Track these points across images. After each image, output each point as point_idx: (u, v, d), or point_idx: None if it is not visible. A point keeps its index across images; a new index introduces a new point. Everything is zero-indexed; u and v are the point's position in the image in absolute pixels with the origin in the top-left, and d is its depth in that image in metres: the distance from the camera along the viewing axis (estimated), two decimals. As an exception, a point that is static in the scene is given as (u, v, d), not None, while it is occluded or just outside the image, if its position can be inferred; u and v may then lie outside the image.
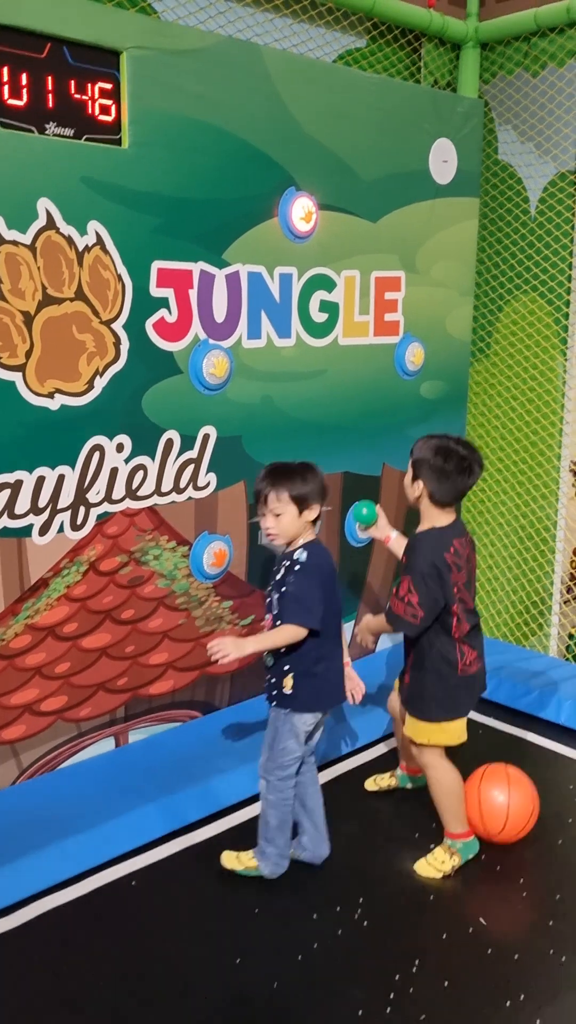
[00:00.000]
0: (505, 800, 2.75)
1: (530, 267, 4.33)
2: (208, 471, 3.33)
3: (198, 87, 3.04)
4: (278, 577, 2.65)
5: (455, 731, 2.75)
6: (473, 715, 3.78)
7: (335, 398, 3.75)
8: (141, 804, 2.91)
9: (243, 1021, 2.15)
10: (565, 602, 4.89)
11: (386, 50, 3.99)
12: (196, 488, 3.31)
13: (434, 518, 2.74)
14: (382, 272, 3.81)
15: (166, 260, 3.06)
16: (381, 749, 3.52)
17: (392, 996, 2.23)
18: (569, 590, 4.86)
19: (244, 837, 2.85)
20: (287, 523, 2.61)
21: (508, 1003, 2.20)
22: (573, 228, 4.38)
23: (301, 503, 2.61)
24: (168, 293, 3.09)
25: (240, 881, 2.69)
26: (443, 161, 3.97)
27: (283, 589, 2.60)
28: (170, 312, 3.10)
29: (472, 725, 3.69)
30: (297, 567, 2.61)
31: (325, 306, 3.62)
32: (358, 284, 3.73)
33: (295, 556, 2.63)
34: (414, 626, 2.66)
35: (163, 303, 3.08)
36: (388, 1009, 2.19)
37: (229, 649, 2.52)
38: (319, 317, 3.60)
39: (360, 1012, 2.18)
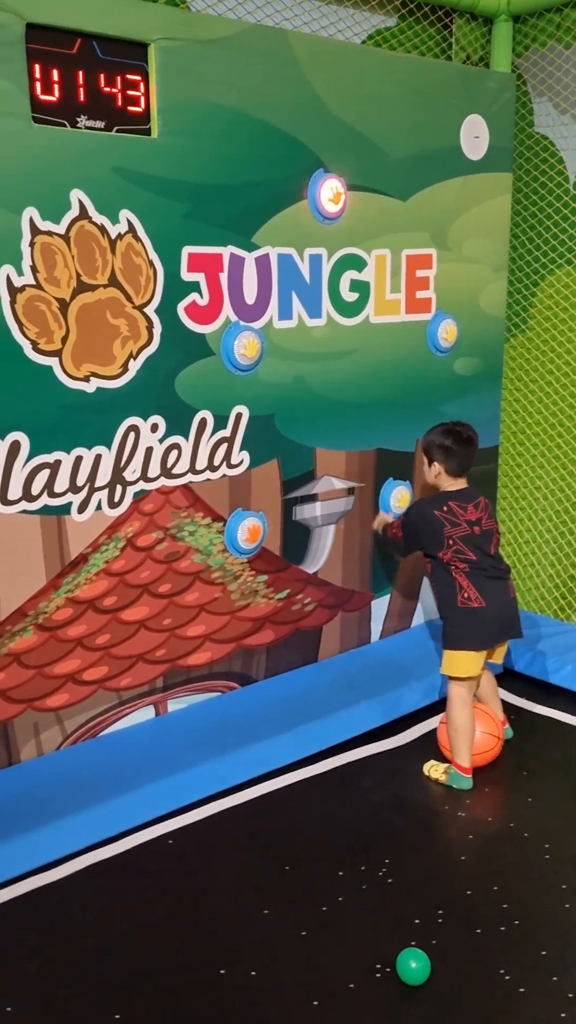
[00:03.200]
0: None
1: (569, 239, 4.32)
2: (241, 449, 3.43)
3: (225, 75, 3.12)
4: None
5: (461, 663, 3.18)
6: (503, 693, 3.85)
7: (367, 376, 3.82)
8: (179, 769, 3.05)
9: (268, 967, 2.27)
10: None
11: (416, 28, 4.00)
12: (230, 466, 3.42)
13: (446, 487, 3.41)
14: (413, 250, 3.85)
15: (196, 245, 3.15)
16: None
17: (413, 943, 2.34)
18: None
19: (281, 802, 2.99)
20: None
21: (527, 957, 2.29)
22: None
23: None
24: (199, 277, 3.19)
25: (271, 841, 2.81)
26: (475, 137, 3.98)
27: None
28: (201, 296, 3.20)
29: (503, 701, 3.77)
30: None
31: (356, 285, 3.68)
32: (389, 263, 3.78)
33: None
34: (398, 546, 3.60)
35: (194, 287, 3.18)
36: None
37: None
38: (350, 297, 3.67)
39: (380, 964, 2.28)
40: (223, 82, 3.11)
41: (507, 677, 3.95)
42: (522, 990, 2.20)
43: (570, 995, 2.18)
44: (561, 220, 4.34)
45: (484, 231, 4.13)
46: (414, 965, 2.21)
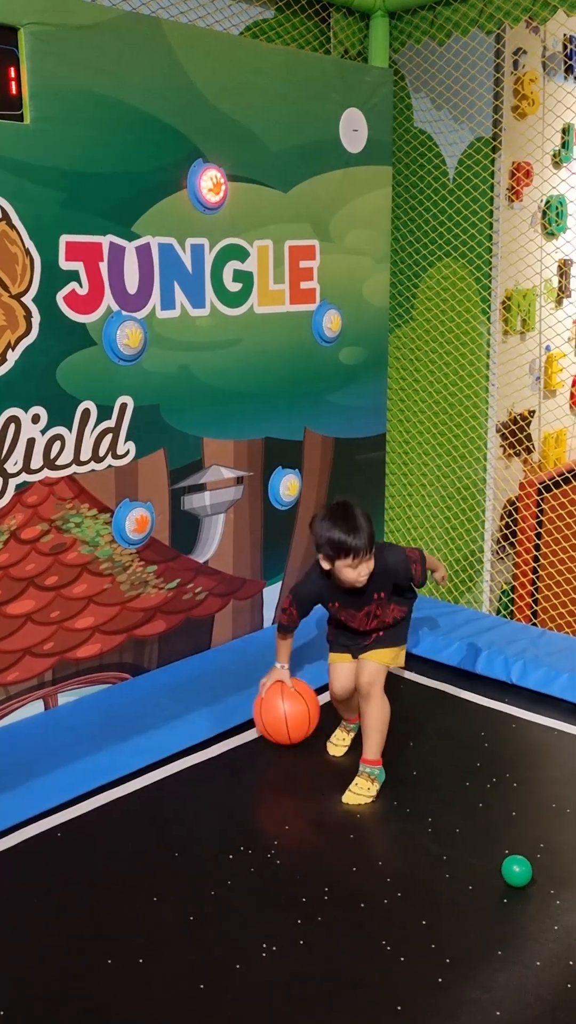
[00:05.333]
0: (282, 710, 3.24)
1: (450, 232, 4.44)
2: (127, 440, 3.42)
3: (99, 61, 3.09)
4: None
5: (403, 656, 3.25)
6: (393, 669, 3.94)
7: (253, 366, 3.85)
8: (68, 762, 3.03)
9: (155, 954, 2.28)
10: (498, 559, 5.06)
11: (294, 20, 4.04)
12: (115, 457, 3.40)
13: None
14: (296, 241, 3.90)
15: (74, 233, 3.12)
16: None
17: (299, 922, 2.39)
18: (501, 548, 5.04)
19: (170, 789, 3.01)
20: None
21: (413, 926, 2.37)
22: (492, 192, 4.51)
23: None
24: (78, 266, 3.16)
25: (161, 829, 2.82)
26: (353, 130, 4.05)
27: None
28: (81, 285, 3.17)
29: (391, 678, 3.87)
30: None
31: (239, 276, 3.70)
32: (272, 253, 3.81)
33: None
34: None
35: (73, 276, 3.15)
36: (300, 940, 2.34)
37: None
38: (233, 287, 3.69)
39: (266, 944, 2.32)
40: (97, 69, 3.09)
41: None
42: (402, 959, 2.27)
43: (447, 960, 2.26)
44: (440, 213, 4.47)
45: (366, 223, 4.21)
46: (517, 869, 2.50)
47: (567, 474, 4.98)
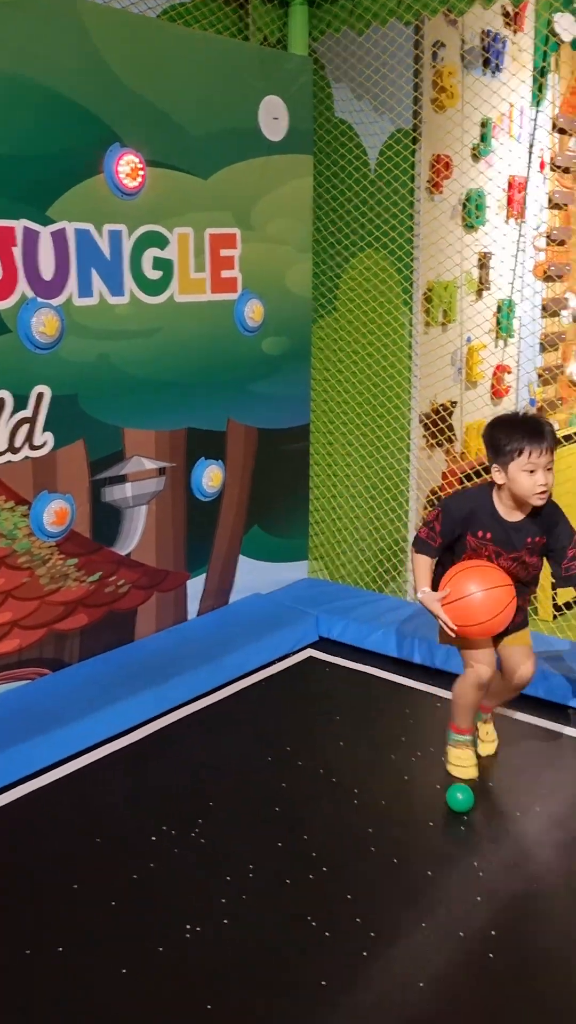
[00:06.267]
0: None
1: (372, 223, 4.46)
2: (44, 430, 3.36)
3: (10, 40, 3.03)
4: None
5: None
6: (320, 655, 3.97)
7: (175, 355, 3.81)
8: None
9: (76, 942, 2.24)
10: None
11: (212, 6, 4.02)
12: (32, 448, 3.33)
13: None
14: (216, 229, 3.88)
15: (-14, 217, 3.06)
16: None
17: (224, 902, 2.38)
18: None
19: (94, 776, 2.96)
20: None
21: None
22: (413, 183, 4.54)
23: None
24: (-9, 250, 3.09)
25: (84, 816, 2.78)
26: (273, 118, 4.04)
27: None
28: (-6, 270, 3.11)
29: (319, 664, 3.89)
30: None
31: (159, 263, 3.67)
32: (192, 241, 3.78)
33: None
34: None
35: (-14, 261, 3.08)
36: (225, 919, 2.32)
37: None
38: (153, 275, 3.65)
39: (189, 925, 2.30)
40: (6, 47, 3.02)
41: (322, 643, 4.07)
42: (327, 934, 2.27)
43: (372, 934, 2.27)
44: (361, 204, 4.48)
45: (287, 212, 4.21)
46: (460, 796, 2.69)
47: (488, 464, 5.06)
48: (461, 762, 2.92)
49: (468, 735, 2.93)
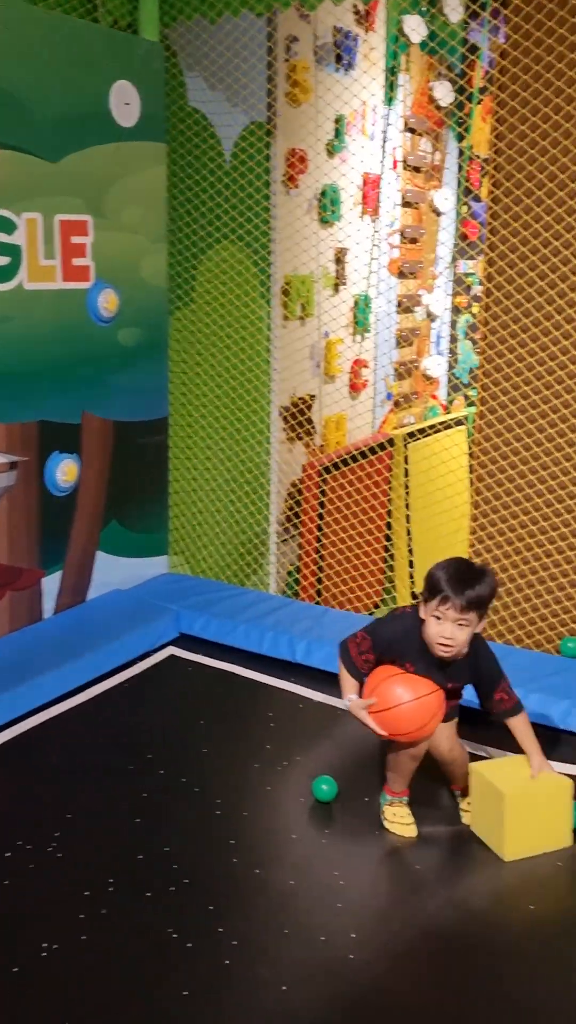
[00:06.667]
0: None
1: (228, 215, 4.41)
2: None
3: None
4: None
5: None
6: (181, 652, 3.91)
7: (25, 345, 3.66)
8: None
9: None
10: (283, 541, 5.12)
11: (58, -16, 3.87)
12: None
13: None
14: (67, 215, 3.74)
15: None
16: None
17: (82, 917, 2.31)
18: (286, 530, 5.10)
19: None
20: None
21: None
22: (269, 176, 4.52)
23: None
24: None
25: None
26: (125, 104, 3.94)
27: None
28: None
29: (180, 662, 3.84)
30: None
31: (6, 249, 3.51)
32: (41, 227, 3.64)
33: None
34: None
35: None
36: (83, 936, 2.25)
37: None
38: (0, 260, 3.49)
39: (46, 943, 2.22)
40: None
41: (183, 640, 4.01)
42: (189, 945, 2.23)
43: (234, 943, 2.24)
44: (216, 195, 4.43)
45: (141, 200, 4.11)
46: (325, 788, 2.79)
47: (346, 456, 5.11)
48: (399, 819, 2.74)
49: (404, 796, 2.78)
